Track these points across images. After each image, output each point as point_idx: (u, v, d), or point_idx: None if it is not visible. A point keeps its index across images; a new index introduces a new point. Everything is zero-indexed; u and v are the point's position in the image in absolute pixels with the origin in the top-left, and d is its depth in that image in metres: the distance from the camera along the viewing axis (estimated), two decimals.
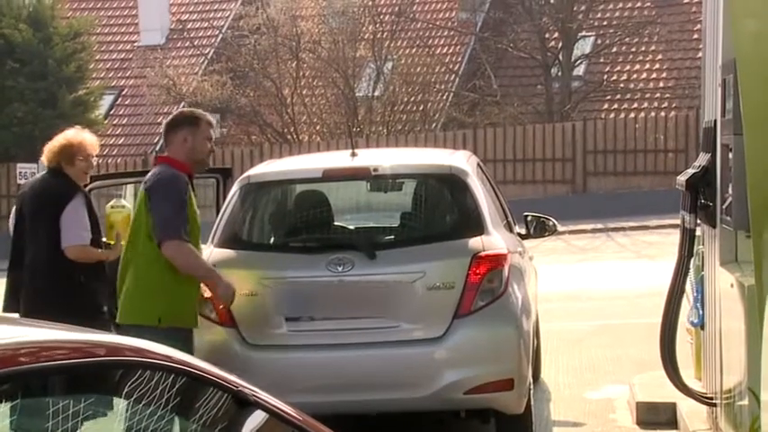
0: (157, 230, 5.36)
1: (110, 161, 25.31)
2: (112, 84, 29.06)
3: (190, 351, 5.36)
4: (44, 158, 6.13)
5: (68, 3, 29.18)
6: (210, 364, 2.94)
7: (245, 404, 2.84)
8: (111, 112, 28.75)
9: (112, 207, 6.20)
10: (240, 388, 2.84)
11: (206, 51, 28.96)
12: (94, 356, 2.74)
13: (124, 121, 28.87)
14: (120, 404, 2.74)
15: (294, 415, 2.96)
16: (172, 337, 5.21)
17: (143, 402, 2.72)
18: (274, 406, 2.90)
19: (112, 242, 6.13)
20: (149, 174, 5.60)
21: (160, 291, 5.41)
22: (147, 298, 5.44)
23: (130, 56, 29.92)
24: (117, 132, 28.19)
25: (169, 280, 5.40)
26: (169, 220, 5.36)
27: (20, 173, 22.55)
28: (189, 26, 29.50)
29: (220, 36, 29.08)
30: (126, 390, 2.70)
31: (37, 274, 5.96)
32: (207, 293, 5.87)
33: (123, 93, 29.46)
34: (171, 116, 5.78)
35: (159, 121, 28.50)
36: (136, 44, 30.27)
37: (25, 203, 6.12)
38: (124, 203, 6.27)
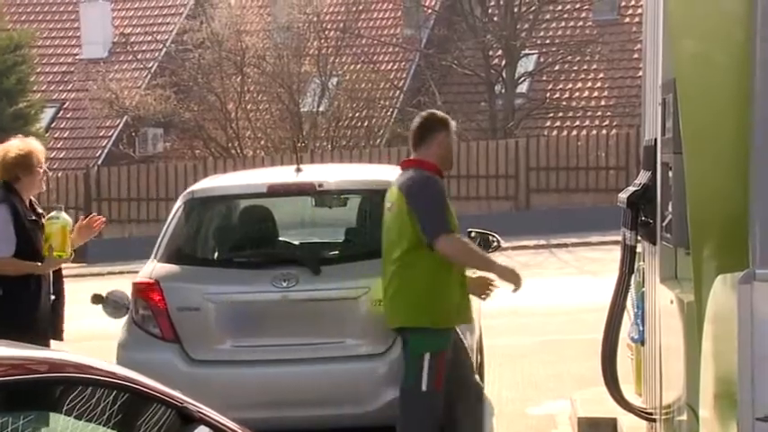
0: (427, 230, 5.34)
1: (50, 175, 25.00)
2: (54, 97, 28.74)
3: (456, 348, 5.46)
4: None
5: (9, 15, 28.83)
6: (154, 380, 2.93)
7: (189, 420, 2.83)
8: (53, 126, 28.43)
9: (48, 219, 6.05)
10: (185, 404, 2.84)
11: (149, 65, 28.76)
12: (35, 373, 2.72)
13: (65, 135, 28.56)
14: (60, 421, 2.72)
15: (239, 431, 2.96)
16: (443, 336, 5.35)
17: (84, 419, 2.70)
18: (219, 422, 2.90)
19: (46, 254, 5.98)
20: (403, 178, 5.52)
21: (426, 294, 5.37)
22: (413, 302, 5.38)
23: (72, 69, 29.62)
24: (58, 146, 27.87)
25: (433, 282, 5.38)
26: (435, 217, 5.36)
27: None
28: (132, 39, 29.27)
29: (164, 50, 28.90)
30: (67, 406, 2.68)
31: None
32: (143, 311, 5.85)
33: (65, 106, 29.15)
34: (424, 118, 5.67)
35: (101, 134, 28.28)
36: (78, 57, 29.98)
37: None
38: (59, 215, 6.09)
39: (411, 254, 5.39)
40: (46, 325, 5.90)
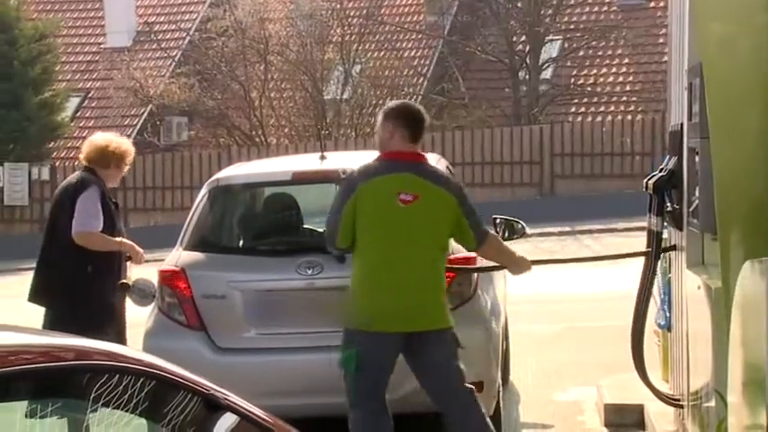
0: (479, 232, 5.28)
1: (76, 164, 25.14)
2: (79, 86, 28.85)
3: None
4: (83, 153, 6.19)
5: (34, 4, 28.96)
6: (180, 367, 2.94)
7: (216, 408, 2.84)
8: (78, 115, 28.54)
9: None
10: (212, 392, 2.85)
11: (173, 54, 28.81)
12: (63, 360, 2.74)
13: (90, 124, 28.63)
14: (88, 408, 2.73)
15: (265, 418, 2.97)
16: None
17: (112, 406, 2.71)
18: (246, 409, 2.91)
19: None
20: (431, 170, 5.30)
21: (443, 293, 5.34)
22: (442, 301, 5.30)
23: (97, 58, 29.72)
24: (84, 135, 27.92)
25: (443, 282, 5.33)
26: (480, 218, 5.32)
27: None
28: (156, 28, 29.34)
29: (188, 38, 28.94)
30: (94, 394, 2.69)
31: (51, 264, 5.99)
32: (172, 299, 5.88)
33: (90, 95, 29.25)
34: (418, 109, 5.50)
35: (126, 123, 28.38)
36: (102, 46, 30.08)
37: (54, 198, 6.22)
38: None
39: (444, 253, 5.31)
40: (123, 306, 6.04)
